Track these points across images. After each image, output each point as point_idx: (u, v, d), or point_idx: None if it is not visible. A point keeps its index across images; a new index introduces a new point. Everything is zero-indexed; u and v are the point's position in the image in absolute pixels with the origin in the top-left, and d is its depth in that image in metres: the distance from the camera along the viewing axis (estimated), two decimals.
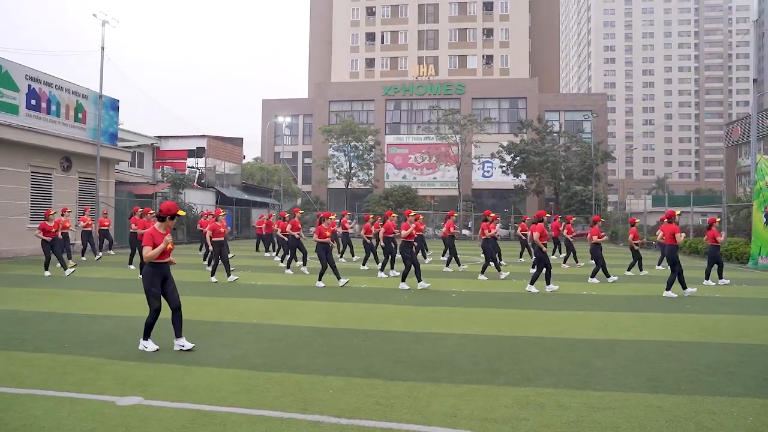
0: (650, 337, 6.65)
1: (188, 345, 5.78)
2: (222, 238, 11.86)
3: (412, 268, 10.88)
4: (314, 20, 68.41)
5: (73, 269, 13.11)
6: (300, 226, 13.31)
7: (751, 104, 23.22)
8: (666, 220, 10.45)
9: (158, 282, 5.73)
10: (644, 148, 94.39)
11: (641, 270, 14.21)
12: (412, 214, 10.95)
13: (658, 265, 16.02)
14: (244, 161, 43.39)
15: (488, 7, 60.37)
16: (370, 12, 63.07)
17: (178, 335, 5.82)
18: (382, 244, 12.44)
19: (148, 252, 5.61)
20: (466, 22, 61.11)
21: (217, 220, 11.68)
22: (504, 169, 43.52)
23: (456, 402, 4.27)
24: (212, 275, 11.89)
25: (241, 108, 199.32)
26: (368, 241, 14.45)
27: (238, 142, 37.33)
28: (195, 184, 29.75)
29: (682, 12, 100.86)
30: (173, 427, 3.66)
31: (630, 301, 9.62)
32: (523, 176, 43.37)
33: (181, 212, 5.92)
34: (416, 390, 4.54)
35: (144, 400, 4.19)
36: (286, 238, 14.30)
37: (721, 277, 12.07)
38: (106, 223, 17.63)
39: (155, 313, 5.71)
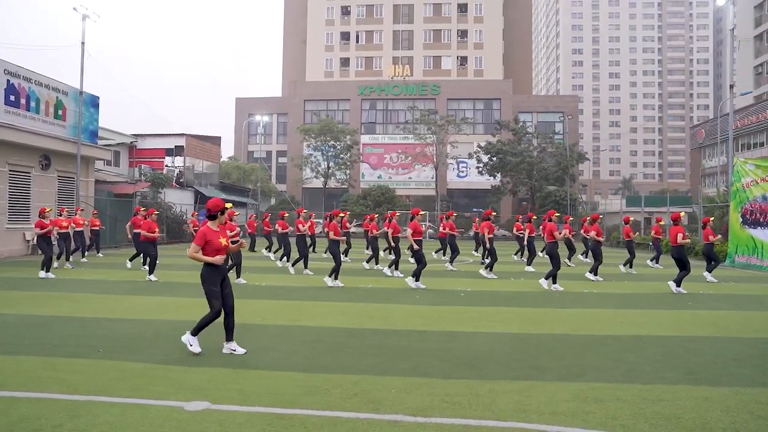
0: (668, 333, 6.95)
1: (240, 350, 5.72)
2: (237, 239, 11.76)
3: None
4: (288, 19, 67.87)
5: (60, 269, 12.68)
6: (304, 225, 13.26)
7: (728, 108, 24.32)
8: (668, 221, 10.90)
9: (218, 282, 5.66)
10: (611, 149, 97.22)
11: (630, 267, 14.72)
12: (421, 213, 11.07)
13: (656, 263, 16.47)
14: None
15: (462, 8, 61.14)
16: (345, 11, 63.00)
17: (230, 339, 5.76)
18: (392, 244, 12.53)
19: (194, 254, 5.56)
20: (441, 23, 61.76)
21: (231, 220, 11.55)
22: (480, 169, 44.12)
23: (518, 398, 4.40)
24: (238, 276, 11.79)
25: (212, 106, 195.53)
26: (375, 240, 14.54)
27: (216, 140, 36.75)
28: (174, 183, 29.14)
29: (646, 18, 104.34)
30: (257, 431, 3.67)
31: (632, 299, 10.00)
32: (499, 176, 44.07)
33: (228, 205, 5.90)
34: (474, 387, 4.66)
35: (212, 405, 4.16)
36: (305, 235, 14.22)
37: (710, 272, 12.71)
38: (97, 224, 17.21)
39: (216, 314, 5.62)
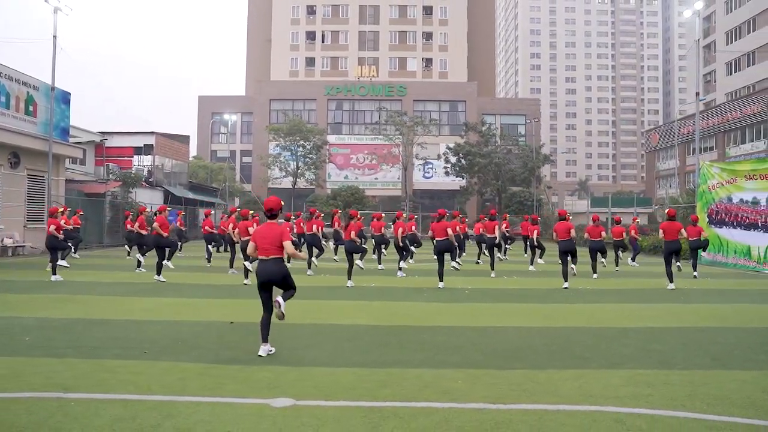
0: (678, 325, 7.47)
1: (272, 350, 5.81)
2: (248, 237, 11.80)
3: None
4: (252, 17, 66.82)
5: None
6: (323, 225, 13.56)
7: (695, 114, 25.88)
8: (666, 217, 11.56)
9: None
10: (567, 152, 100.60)
11: (617, 266, 15.48)
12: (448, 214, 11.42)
13: (633, 262, 17.36)
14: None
15: (428, 11, 61.86)
16: (311, 11, 62.57)
17: (266, 340, 5.82)
18: (400, 244, 12.75)
19: (297, 252, 5.87)
20: (406, 25, 62.31)
21: (246, 219, 11.59)
22: (448, 170, 44.83)
23: (578, 384, 4.71)
24: (246, 278, 11.74)
25: (173, 104, 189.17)
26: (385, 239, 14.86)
27: (184, 139, 35.91)
28: (143, 182, 28.33)
29: (600, 24, 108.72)
30: (357, 424, 3.79)
31: (628, 295, 10.60)
32: (465, 177, 44.90)
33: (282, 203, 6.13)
34: (531, 376, 4.94)
35: (297, 402, 4.25)
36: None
37: (694, 269, 13.59)
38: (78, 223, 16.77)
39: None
